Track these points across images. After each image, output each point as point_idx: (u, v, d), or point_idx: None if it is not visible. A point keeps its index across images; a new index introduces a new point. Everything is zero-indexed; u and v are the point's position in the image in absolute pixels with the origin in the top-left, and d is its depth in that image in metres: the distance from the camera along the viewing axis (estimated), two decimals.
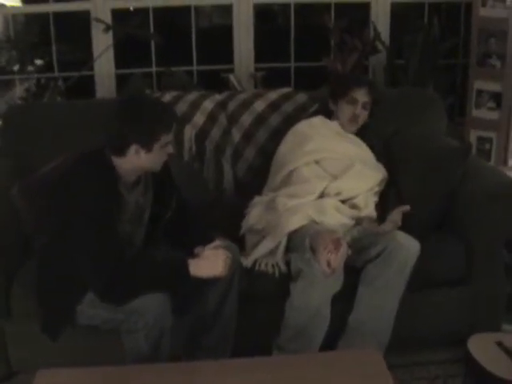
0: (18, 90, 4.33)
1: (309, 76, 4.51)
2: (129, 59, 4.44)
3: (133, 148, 2.28)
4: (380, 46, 4.23)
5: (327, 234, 2.56)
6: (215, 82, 4.38)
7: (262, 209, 2.90)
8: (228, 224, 2.93)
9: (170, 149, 2.38)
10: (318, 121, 3.07)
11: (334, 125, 3.05)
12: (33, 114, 3.21)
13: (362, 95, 3.01)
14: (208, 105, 3.32)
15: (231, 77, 4.32)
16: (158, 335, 2.29)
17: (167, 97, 3.31)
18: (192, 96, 3.35)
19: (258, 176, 3.20)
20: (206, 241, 2.49)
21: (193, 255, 2.43)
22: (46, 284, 2.46)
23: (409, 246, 2.62)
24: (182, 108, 3.27)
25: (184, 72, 4.28)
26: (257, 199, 2.96)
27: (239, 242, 2.80)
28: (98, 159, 2.34)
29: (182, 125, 3.23)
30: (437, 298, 2.86)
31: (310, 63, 4.52)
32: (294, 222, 2.70)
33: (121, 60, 4.35)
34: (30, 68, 4.39)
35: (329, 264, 2.47)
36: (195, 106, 3.30)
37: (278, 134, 3.21)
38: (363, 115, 3.04)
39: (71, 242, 2.28)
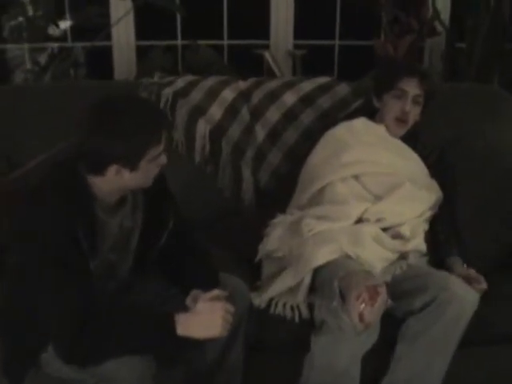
0: (28, 62, 3.75)
1: (355, 58, 3.85)
2: (152, 29, 3.84)
3: (112, 168, 1.73)
4: (439, 27, 3.51)
5: (362, 277, 1.95)
6: (248, 60, 3.79)
7: (284, 231, 2.28)
8: (244, 244, 2.36)
9: (163, 159, 1.81)
10: (361, 124, 2.42)
11: (379, 129, 2.40)
12: (15, 99, 2.61)
13: (412, 86, 2.35)
14: (228, 94, 2.70)
15: (266, 54, 3.73)
16: None
17: (180, 83, 2.70)
18: (209, 82, 2.72)
19: (283, 185, 2.57)
20: (207, 279, 1.93)
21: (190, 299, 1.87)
22: (9, 321, 1.92)
23: (465, 298, 2.01)
24: (195, 97, 2.66)
25: (211, 47, 3.68)
26: (279, 218, 2.34)
27: (255, 269, 2.26)
28: (69, 176, 1.78)
29: (195, 119, 2.64)
30: (496, 355, 2.23)
31: (357, 42, 3.85)
32: (322, 256, 2.08)
33: (143, 30, 3.77)
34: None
35: (362, 318, 1.87)
36: (212, 96, 2.68)
37: (311, 135, 2.58)
38: (414, 113, 2.38)
39: (30, 284, 1.74)
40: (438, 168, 2.44)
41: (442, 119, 2.61)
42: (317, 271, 2.08)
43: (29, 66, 3.74)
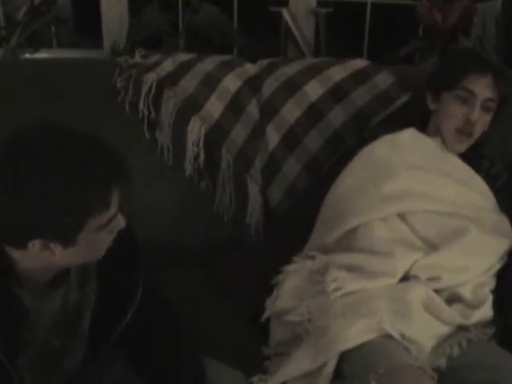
0: (2, 18, 3.07)
1: (391, 20, 3.16)
2: None
3: (35, 243, 1.11)
4: None
5: (412, 379, 1.31)
6: (262, 20, 3.22)
7: (301, 283, 1.66)
8: (246, 291, 1.73)
9: (118, 223, 1.19)
10: (409, 138, 1.75)
11: (434, 146, 1.73)
12: None
13: (483, 87, 1.70)
14: (231, 83, 2.02)
15: (284, 12, 3.10)
16: None
17: (168, 65, 2.01)
18: (206, 65, 2.03)
19: (301, 207, 1.95)
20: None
21: None
22: None
23: None
24: (187, 86, 1.99)
25: (216, 5, 2.97)
26: (295, 265, 1.70)
27: (261, 329, 1.66)
28: None
29: (186, 116, 1.98)
30: None
31: (394, 0, 3.14)
32: (353, 336, 1.46)
33: None
34: None
35: None
36: (210, 84, 2.00)
37: (340, 142, 1.94)
38: (482, 122, 1.73)
39: None
40: (507, 193, 1.78)
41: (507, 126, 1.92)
42: (345, 354, 1.46)
43: (3, 22, 3.05)
